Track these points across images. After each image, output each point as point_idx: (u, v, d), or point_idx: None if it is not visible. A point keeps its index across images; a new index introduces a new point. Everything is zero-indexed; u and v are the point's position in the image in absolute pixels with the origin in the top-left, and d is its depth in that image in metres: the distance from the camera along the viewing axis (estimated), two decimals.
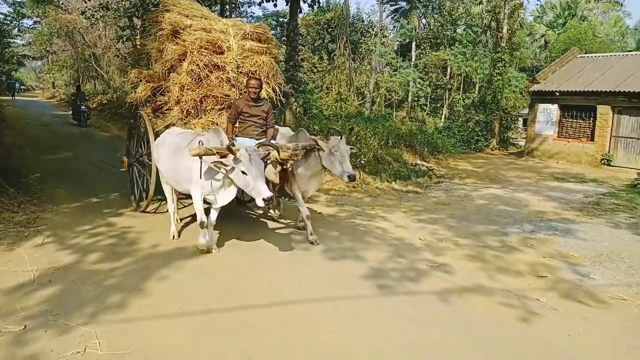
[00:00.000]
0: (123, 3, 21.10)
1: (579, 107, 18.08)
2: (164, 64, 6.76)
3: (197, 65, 6.55)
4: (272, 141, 6.00)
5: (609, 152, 17.17)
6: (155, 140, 6.48)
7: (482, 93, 25.82)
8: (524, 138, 22.46)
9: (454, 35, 33.24)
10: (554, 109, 18.78)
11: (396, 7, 36.96)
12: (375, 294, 4.71)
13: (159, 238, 6.14)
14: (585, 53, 22.25)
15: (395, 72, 32.67)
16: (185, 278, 4.90)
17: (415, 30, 34.83)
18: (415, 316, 4.21)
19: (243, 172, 4.86)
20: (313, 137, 6.15)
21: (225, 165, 4.95)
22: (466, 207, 9.28)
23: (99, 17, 21.42)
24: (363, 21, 35.74)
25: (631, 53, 21.98)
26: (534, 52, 36.51)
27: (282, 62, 13.65)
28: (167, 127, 6.61)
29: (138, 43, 8.18)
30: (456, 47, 30.63)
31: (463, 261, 5.88)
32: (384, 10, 36.79)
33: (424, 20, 35.93)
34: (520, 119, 26.04)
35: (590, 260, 6.10)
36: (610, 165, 16.83)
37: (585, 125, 18.07)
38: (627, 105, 16.67)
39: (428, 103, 32.66)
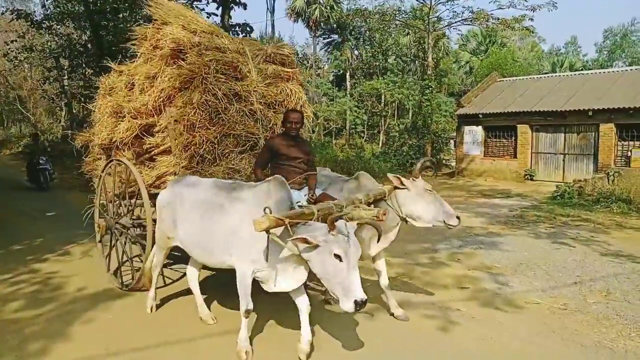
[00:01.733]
0: (49, 44, 20.60)
1: (501, 128, 19.26)
2: (157, 95, 5.24)
3: (214, 95, 5.08)
4: (317, 190, 4.63)
5: (531, 168, 18.33)
6: (151, 194, 5.04)
7: (414, 118, 26.96)
8: (455, 159, 23.53)
9: (385, 64, 34.66)
10: (479, 131, 19.89)
11: (329, 40, 38.26)
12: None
13: (85, 281, 5.93)
14: (505, 77, 23.81)
15: (332, 102, 33.53)
16: (112, 319, 4.78)
17: (349, 61, 36.08)
18: (340, 331, 4.33)
19: (337, 256, 3.25)
20: (395, 176, 4.60)
21: (308, 242, 3.32)
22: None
23: (22, 58, 20.76)
24: (297, 54, 36.61)
25: (546, 75, 23.76)
26: (461, 78, 38.63)
27: None
28: (158, 178, 5.29)
29: (115, 68, 6.48)
30: (388, 76, 31.89)
31: (392, 279, 6.09)
32: (318, 43, 37.96)
33: (356, 52, 37.30)
34: (452, 141, 27.29)
35: (511, 270, 6.48)
36: (533, 180, 17.95)
37: (508, 144, 19.24)
38: (543, 123, 17.94)
39: (365, 130, 33.62)
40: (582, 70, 27.21)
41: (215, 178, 4.68)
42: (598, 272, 6.31)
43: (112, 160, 5.76)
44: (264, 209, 3.35)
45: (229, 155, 5.14)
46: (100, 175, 6.07)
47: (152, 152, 5.40)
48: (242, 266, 3.78)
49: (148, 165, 5.47)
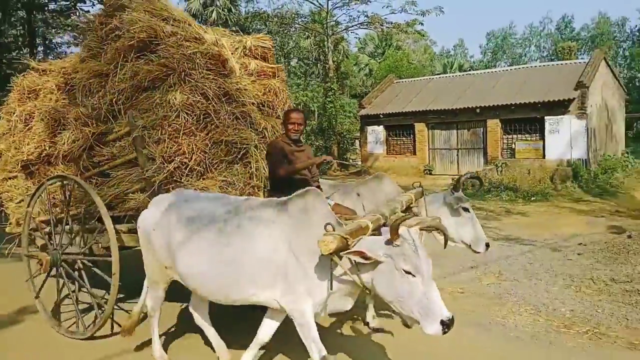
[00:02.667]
0: None
1: (400, 126, 20.28)
2: (113, 97, 4.34)
3: (203, 94, 4.24)
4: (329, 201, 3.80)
5: (429, 163, 19.50)
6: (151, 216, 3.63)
7: (319, 120, 27.48)
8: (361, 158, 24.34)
9: (289, 67, 34.96)
10: (380, 130, 20.79)
11: None
12: None
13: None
14: (401, 79, 25.05)
15: None
16: None
17: None
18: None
19: (407, 273, 2.63)
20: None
21: (367, 258, 2.70)
22: None
23: None
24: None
25: (438, 76, 25.36)
26: (362, 80, 39.99)
27: None
28: (115, 197, 4.27)
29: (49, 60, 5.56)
30: (291, 78, 32.20)
31: None
32: None
33: None
34: (357, 141, 28.19)
35: None
36: (432, 174, 19.09)
37: (407, 141, 20.30)
38: (438, 121, 19.15)
39: None
40: (469, 70, 29.40)
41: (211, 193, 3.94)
42: (491, 256, 6.80)
43: (53, 178, 4.54)
44: (326, 226, 2.74)
45: (218, 166, 4.25)
46: (32, 197, 4.75)
47: (105, 166, 4.37)
48: (296, 304, 3.00)
49: (96, 183, 4.47)
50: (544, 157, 16.97)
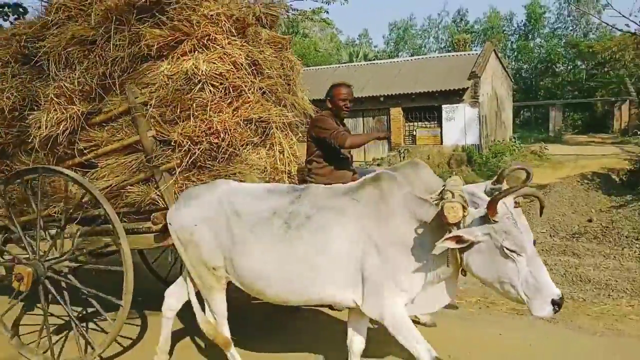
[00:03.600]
0: None
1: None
2: (106, 68, 3.59)
3: (234, 63, 3.56)
4: None
5: None
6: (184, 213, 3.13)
7: None
8: None
9: None
10: None
11: None
12: None
13: None
14: (309, 66, 25.26)
15: None
16: None
17: None
18: None
19: (510, 251, 2.40)
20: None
21: (464, 240, 2.45)
22: None
23: None
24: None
25: (344, 64, 25.95)
26: None
27: None
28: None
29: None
30: None
31: None
32: None
33: None
34: None
35: None
36: None
37: None
38: None
39: None
40: (374, 60, 30.33)
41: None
42: None
43: (36, 170, 3.64)
44: (442, 192, 2.54)
45: (245, 149, 3.63)
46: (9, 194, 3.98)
47: (92, 154, 3.68)
48: (385, 305, 2.66)
49: (90, 176, 3.73)
50: (441, 143, 18.12)
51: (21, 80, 3.93)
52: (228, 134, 3.41)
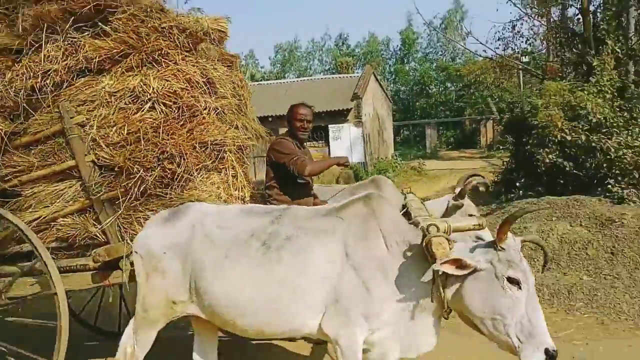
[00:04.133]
0: None
1: None
2: (37, 81, 3.13)
3: (188, 80, 3.26)
4: None
5: None
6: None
7: None
8: None
9: None
10: None
11: None
12: None
13: None
14: None
15: None
16: None
17: None
18: None
19: (512, 281, 2.22)
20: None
21: (465, 266, 2.26)
22: None
23: None
24: None
25: None
26: None
27: None
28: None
29: None
30: None
31: None
32: None
33: None
34: None
35: None
36: None
37: None
38: None
39: None
40: (261, 80, 30.53)
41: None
42: None
43: None
44: (428, 227, 2.36)
45: (199, 173, 3.28)
46: None
47: (15, 180, 3.24)
48: (347, 329, 2.45)
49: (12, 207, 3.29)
50: None
51: None
52: (184, 159, 3.09)
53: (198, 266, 2.67)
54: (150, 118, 3.11)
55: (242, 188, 3.63)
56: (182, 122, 3.21)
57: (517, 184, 9.50)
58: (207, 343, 3.02)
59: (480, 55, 18.22)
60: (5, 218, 3.05)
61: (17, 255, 3.23)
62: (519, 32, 14.85)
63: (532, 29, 15.00)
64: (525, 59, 16.54)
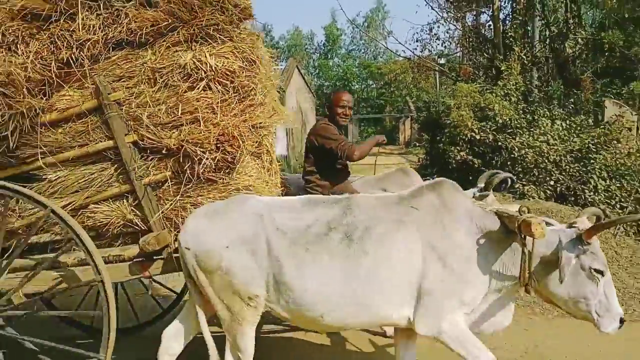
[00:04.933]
0: None
1: None
2: (71, 53, 2.80)
3: (247, 59, 3.01)
4: None
5: None
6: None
7: None
8: None
9: None
10: None
11: None
12: None
13: None
14: None
15: None
16: None
17: None
18: None
19: (597, 272, 2.51)
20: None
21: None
22: None
23: None
24: None
25: None
26: None
27: None
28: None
29: None
30: None
31: None
32: None
33: None
34: None
35: None
36: None
37: None
38: None
39: None
40: None
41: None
42: None
43: None
44: (520, 209, 2.50)
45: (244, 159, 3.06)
46: None
47: (36, 164, 2.88)
48: (450, 319, 2.54)
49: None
50: None
51: None
52: (243, 141, 2.92)
53: (274, 261, 2.55)
54: (206, 97, 2.90)
55: (275, 174, 3.46)
56: (237, 103, 3.01)
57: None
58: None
59: (400, 55, 18.86)
60: (38, 201, 2.70)
61: (31, 248, 2.92)
62: (435, 34, 15.55)
63: (448, 32, 15.76)
64: (441, 61, 17.32)
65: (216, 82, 2.92)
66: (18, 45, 2.84)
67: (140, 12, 2.89)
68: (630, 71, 12.71)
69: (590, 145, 7.74)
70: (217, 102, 2.91)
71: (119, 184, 2.93)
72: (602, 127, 8.32)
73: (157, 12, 2.91)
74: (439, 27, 15.43)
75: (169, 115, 2.87)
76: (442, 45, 15.99)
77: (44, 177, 2.94)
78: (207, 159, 2.82)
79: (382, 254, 2.55)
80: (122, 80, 2.93)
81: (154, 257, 2.95)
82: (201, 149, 2.81)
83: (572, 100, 10.47)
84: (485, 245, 2.59)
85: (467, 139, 8.84)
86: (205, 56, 2.89)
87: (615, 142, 7.82)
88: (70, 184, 2.95)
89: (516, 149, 8.13)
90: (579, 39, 12.68)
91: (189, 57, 2.88)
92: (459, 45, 16.28)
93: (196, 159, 2.82)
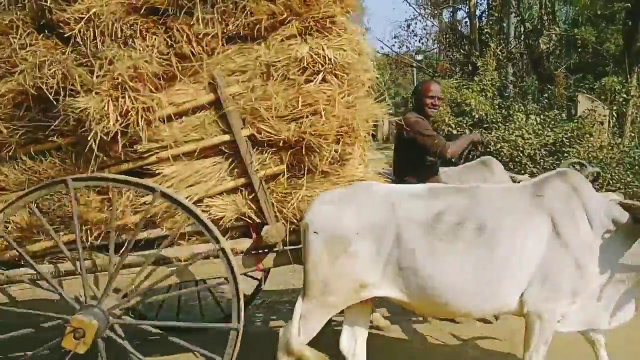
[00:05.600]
0: None
1: None
2: (190, 46, 2.79)
3: (361, 49, 3.03)
4: None
5: None
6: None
7: None
8: None
9: None
10: None
11: None
12: None
13: None
14: None
15: None
16: None
17: None
18: None
19: None
20: None
21: None
22: None
23: None
24: None
25: None
26: None
27: None
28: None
29: None
30: None
31: None
32: None
33: None
34: None
35: None
36: None
37: None
38: None
39: None
40: None
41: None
42: None
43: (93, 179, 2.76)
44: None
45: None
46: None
47: (151, 159, 2.86)
48: (551, 302, 2.59)
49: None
50: None
51: (36, 53, 2.79)
52: (360, 133, 2.95)
53: (404, 248, 2.59)
54: (326, 89, 2.87)
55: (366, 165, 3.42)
56: (350, 95, 2.98)
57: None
58: (359, 331, 2.90)
59: (378, 52, 18.93)
60: (168, 196, 2.70)
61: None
62: (413, 31, 15.68)
63: (425, 29, 15.90)
64: (419, 57, 17.47)
65: (333, 75, 2.89)
66: (135, 40, 2.80)
67: (258, 5, 2.84)
68: (602, 67, 12.97)
69: (564, 139, 7.90)
70: (335, 94, 2.87)
71: (234, 177, 2.93)
72: (575, 121, 8.50)
73: (274, 5, 2.87)
74: (416, 23, 15.58)
75: (287, 108, 2.83)
76: (419, 42, 16.13)
77: (157, 172, 2.91)
78: (328, 151, 2.83)
79: (512, 244, 2.61)
80: (234, 74, 2.93)
81: (266, 250, 2.98)
82: (324, 141, 2.80)
83: (546, 95, 10.64)
84: (613, 236, 2.62)
85: (444, 134, 8.94)
86: (323, 49, 2.84)
87: (587, 135, 7.99)
88: (185, 178, 2.92)
89: (492, 143, 8.25)
90: (553, 36, 12.93)
91: (306, 50, 2.85)
92: (436, 41, 16.44)
93: (318, 150, 2.82)
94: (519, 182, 3.25)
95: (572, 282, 2.59)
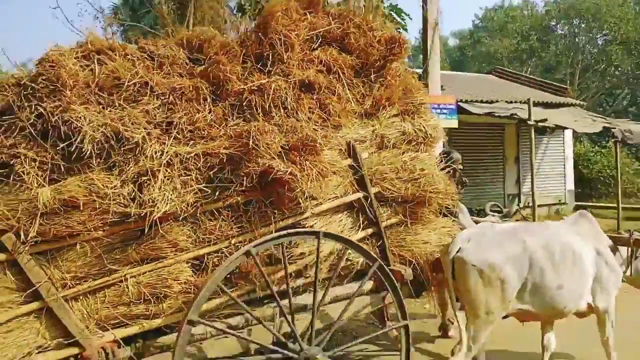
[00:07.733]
0: None
1: None
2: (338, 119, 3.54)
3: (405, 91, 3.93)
4: None
5: None
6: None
7: None
8: None
9: None
10: None
11: None
12: None
13: None
14: None
15: None
16: None
17: None
18: None
19: None
20: None
21: None
22: None
23: None
24: None
25: None
26: None
27: None
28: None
29: None
30: None
31: None
32: None
33: None
34: None
35: None
36: None
37: None
38: None
39: None
40: None
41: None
42: None
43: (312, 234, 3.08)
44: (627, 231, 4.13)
45: None
46: None
47: (306, 215, 3.19)
48: (612, 301, 3.88)
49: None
50: None
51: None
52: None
53: (538, 272, 3.60)
54: (430, 155, 3.83)
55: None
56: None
57: None
58: (550, 327, 4.06)
59: None
60: (352, 243, 3.14)
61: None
62: None
63: None
64: None
65: (429, 144, 3.85)
66: (298, 112, 3.30)
67: (380, 89, 3.68)
68: None
69: None
70: (434, 160, 3.78)
71: (364, 228, 3.42)
72: None
73: (387, 90, 3.70)
74: None
75: (405, 170, 3.51)
76: None
77: (306, 225, 3.24)
78: (438, 203, 3.59)
79: (583, 263, 3.76)
80: (358, 142, 3.53)
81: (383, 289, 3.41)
82: (440, 195, 3.55)
83: None
84: (613, 255, 3.99)
85: None
86: (424, 126, 3.76)
87: None
88: (328, 229, 3.25)
89: None
90: None
91: (409, 126, 3.73)
92: None
93: (430, 204, 3.54)
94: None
95: (615, 283, 3.89)
